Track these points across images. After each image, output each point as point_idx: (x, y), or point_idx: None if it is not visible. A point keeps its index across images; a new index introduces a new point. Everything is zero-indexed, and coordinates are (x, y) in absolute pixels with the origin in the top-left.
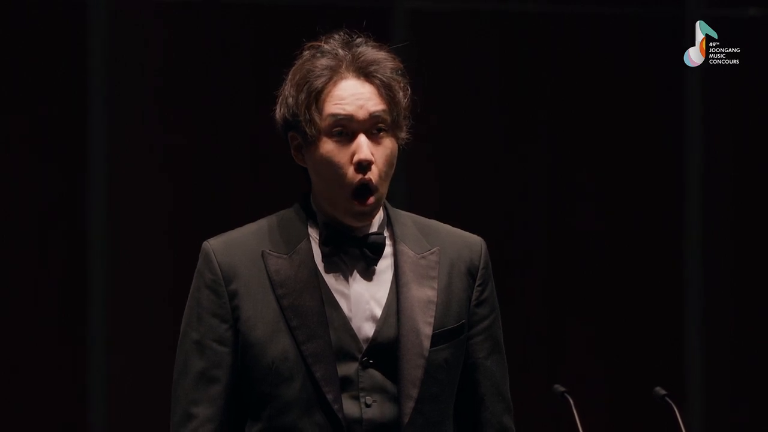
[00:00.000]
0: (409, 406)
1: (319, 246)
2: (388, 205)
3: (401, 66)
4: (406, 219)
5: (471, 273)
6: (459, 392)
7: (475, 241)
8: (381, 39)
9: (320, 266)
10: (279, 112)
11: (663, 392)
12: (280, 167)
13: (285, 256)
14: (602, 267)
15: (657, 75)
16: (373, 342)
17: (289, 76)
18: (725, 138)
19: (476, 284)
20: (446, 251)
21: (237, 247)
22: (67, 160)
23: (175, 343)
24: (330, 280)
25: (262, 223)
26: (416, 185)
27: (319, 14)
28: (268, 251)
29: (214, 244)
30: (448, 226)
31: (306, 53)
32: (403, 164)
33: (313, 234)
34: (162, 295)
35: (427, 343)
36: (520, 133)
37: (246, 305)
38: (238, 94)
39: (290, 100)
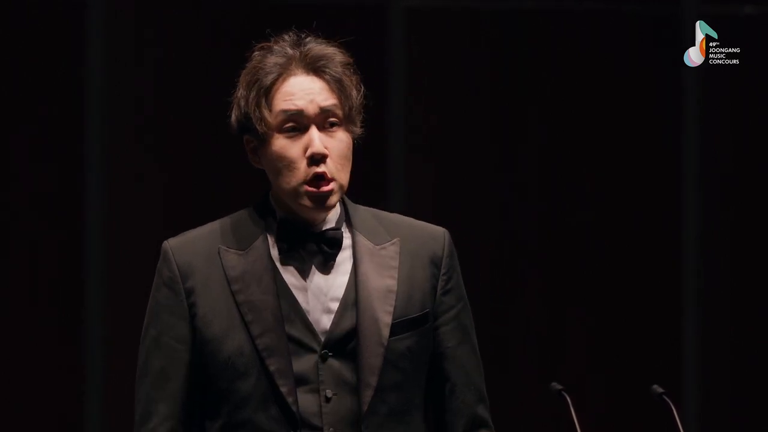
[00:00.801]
0: (368, 394)
1: (276, 242)
2: (347, 200)
3: (351, 60)
4: (365, 213)
5: (435, 263)
6: (429, 382)
7: (438, 231)
8: (377, 37)
9: (277, 262)
10: (233, 115)
11: (660, 390)
12: None
13: (241, 252)
14: (601, 266)
15: (654, 73)
16: (331, 334)
17: (241, 78)
18: (724, 137)
19: (441, 273)
20: (407, 242)
21: (194, 245)
22: (65, 160)
23: None
24: (287, 275)
25: (221, 222)
26: (414, 185)
27: (318, 12)
28: (224, 248)
29: (172, 243)
30: (410, 219)
31: (256, 54)
32: (401, 164)
33: (270, 231)
34: None
35: (386, 332)
36: (518, 132)
37: (202, 302)
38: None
39: (242, 101)
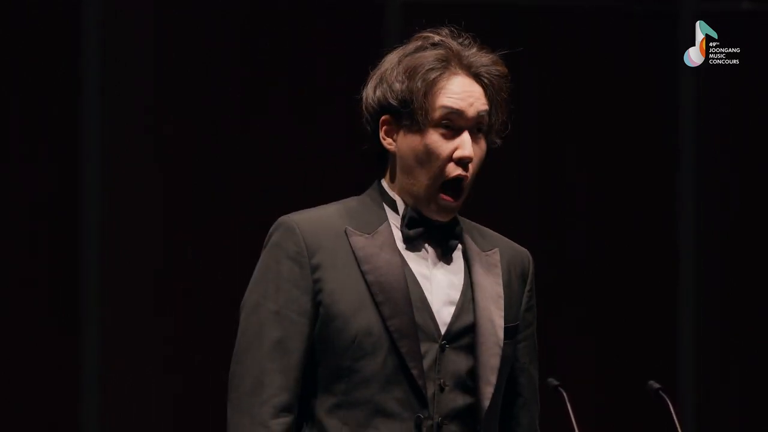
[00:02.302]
0: (488, 391)
1: (401, 229)
2: None
3: (507, 72)
4: (464, 219)
5: (523, 278)
6: (505, 392)
7: (524, 249)
8: (375, 34)
9: (401, 248)
10: (374, 94)
11: (657, 386)
12: (279, 166)
13: (367, 235)
14: (598, 264)
15: (654, 73)
16: (451, 326)
17: (394, 61)
18: (723, 137)
19: (527, 289)
20: (503, 254)
21: (319, 224)
22: (64, 160)
23: (169, 339)
24: (411, 263)
25: (338, 205)
26: None
27: (315, 9)
28: (351, 229)
29: (296, 219)
30: (496, 232)
31: (418, 43)
32: None
33: (392, 218)
34: (157, 293)
35: (501, 334)
36: (516, 131)
37: (330, 278)
38: (235, 91)
39: (397, 85)
